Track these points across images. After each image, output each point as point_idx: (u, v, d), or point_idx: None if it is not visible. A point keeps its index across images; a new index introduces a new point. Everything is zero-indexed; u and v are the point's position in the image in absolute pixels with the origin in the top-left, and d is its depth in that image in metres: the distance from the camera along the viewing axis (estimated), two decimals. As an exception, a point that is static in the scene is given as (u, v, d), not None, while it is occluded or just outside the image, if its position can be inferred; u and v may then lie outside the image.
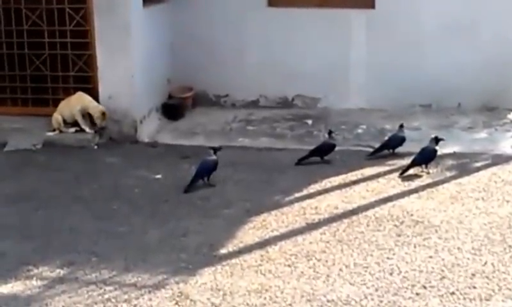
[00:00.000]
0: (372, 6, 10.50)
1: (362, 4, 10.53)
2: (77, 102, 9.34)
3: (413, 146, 8.54)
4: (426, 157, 8.07)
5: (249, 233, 6.62)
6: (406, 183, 7.76)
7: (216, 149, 7.97)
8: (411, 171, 7.97)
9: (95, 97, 9.41)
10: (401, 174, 7.99)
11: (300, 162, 8.44)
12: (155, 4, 10.27)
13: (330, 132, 8.70)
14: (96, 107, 9.28)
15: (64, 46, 9.67)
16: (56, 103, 9.53)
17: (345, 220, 6.85)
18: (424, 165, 8.05)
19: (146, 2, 9.76)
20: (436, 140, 8.14)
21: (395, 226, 6.70)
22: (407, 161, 8.18)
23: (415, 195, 7.44)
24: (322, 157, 8.52)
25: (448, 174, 8.06)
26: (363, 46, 10.61)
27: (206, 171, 7.81)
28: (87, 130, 9.32)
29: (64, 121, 9.35)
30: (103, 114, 9.23)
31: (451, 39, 10.41)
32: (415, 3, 10.43)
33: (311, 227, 6.74)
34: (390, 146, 8.71)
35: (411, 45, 10.50)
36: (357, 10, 10.53)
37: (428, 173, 8.00)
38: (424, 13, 10.42)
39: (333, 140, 8.63)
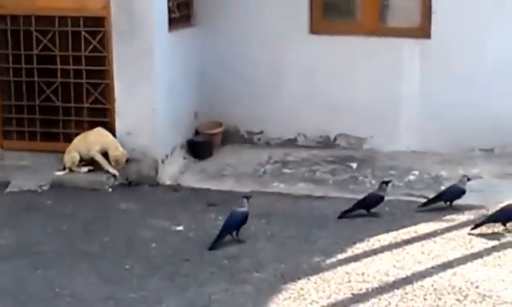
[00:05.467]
0: (428, 36, 9.95)
1: (417, 33, 10.00)
2: (95, 139, 8.90)
3: (472, 197, 8.01)
4: (509, 214, 7.44)
5: (284, 305, 6.03)
6: (468, 245, 7.09)
7: (248, 198, 7.44)
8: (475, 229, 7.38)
9: (112, 132, 8.99)
10: (473, 228, 7.38)
11: (344, 215, 7.86)
12: (183, 28, 9.88)
13: (386, 183, 8.11)
14: (117, 149, 8.82)
15: (79, 74, 9.24)
16: (66, 138, 9.12)
17: (398, 292, 6.20)
18: (503, 223, 7.44)
19: (172, 26, 9.37)
20: None
21: (458, 300, 6.04)
22: (468, 216, 7.69)
23: (479, 260, 6.78)
24: (368, 210, 7.93)
25: (515, 234, 7.45)
26: (416, 81, 10.06)
27: (235, 225, 7.25)
28: (110, 170, 8.83)
29: (81, 159, 8.91)
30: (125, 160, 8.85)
31: (518, 76, 9.83)
32: (478, 33, 9.83)
33: (357, 298, 6.11)
34: (447, 198, 8.08)
35: (472, 81, 9.90)
36: (411, 40, 10.01)
37: (510, 232, 7.36)
38: (487, 45, 9.82)
39: (383, 191, 8.02)
